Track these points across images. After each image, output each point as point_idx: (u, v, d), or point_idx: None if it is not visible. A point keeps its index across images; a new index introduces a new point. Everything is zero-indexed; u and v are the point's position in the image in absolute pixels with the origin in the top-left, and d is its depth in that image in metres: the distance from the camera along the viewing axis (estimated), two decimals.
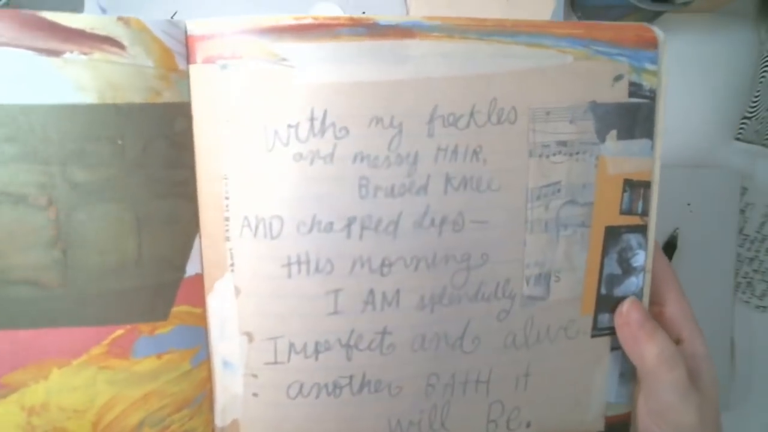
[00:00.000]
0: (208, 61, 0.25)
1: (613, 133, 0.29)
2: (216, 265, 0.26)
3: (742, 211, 0.47)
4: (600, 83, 0.28)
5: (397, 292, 0.27)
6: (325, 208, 0.26)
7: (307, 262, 0.26)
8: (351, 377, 0.27)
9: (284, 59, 0.25)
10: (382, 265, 0.27)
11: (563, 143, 0.28)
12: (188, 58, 0.25)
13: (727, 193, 0.47)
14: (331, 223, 0.26)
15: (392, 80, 0.25)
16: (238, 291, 0.27)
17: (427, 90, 0.26)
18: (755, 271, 0.48)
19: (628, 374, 0.32)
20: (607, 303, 0.30)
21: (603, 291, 0.30)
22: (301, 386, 0.27)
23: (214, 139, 0.26)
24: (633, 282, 0.31)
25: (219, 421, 0.28)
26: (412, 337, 0.28)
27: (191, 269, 0.26)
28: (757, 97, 0.45)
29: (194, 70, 0.25)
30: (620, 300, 0.30)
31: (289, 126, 0.25)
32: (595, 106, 0.28)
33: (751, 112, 0.45)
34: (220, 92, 0.25)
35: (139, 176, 0.25)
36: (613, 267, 0.30)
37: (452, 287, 0.28)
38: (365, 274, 0.27)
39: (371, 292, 0.27)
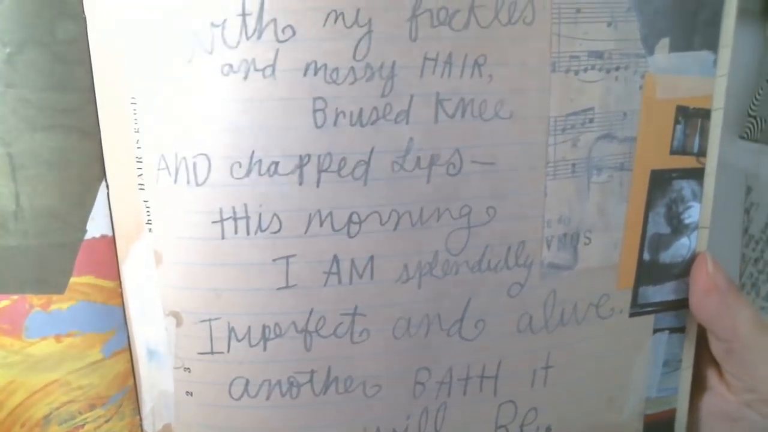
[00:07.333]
0: None
1: (665, 41, 0.22)
2: (129, 224, 0.20)
3: (747, 211, 0.46)
4: None
5: (371, 259, 0.20)
6: (267, 142, 0.19)
7: (246, 218, 0.19)
8: (312, 373, 0.21)
9: None
10: (349, 222, 0.20)
11: (598, 54, 0.21)
12: None
13: (731, 193, 0.45)
14: (276, 164, 0.19)
15: None
16: (159, 257, 0.20)
17: None
18: (760, 272, 0.47)
19: (675, 362, 0.25)
20: (651, 272, 0.24)
21: (646, 256, 0.24)
22: (247, 384, 0.20)
23: (115, 49, 0.18)
24: (683, 244, 0.24)
25: (148, 427, 0.22)
26: (392, 319, 0.21)
27: (96, 229, 0.20)
28: (760, 94, 0.45)
29: None
30: (667, 268, 0.24)
31: (213, 25, 0.18)
32: (642, 2, 0.21)
33: (754, 110, 0.45)
34: None
35: (5, 99, 0.18)
36: (659, 225, 0.24)
37: (447, 252, 0.21)
38: (326, 234, 0.20)
39: (335, 259, 0.20)
